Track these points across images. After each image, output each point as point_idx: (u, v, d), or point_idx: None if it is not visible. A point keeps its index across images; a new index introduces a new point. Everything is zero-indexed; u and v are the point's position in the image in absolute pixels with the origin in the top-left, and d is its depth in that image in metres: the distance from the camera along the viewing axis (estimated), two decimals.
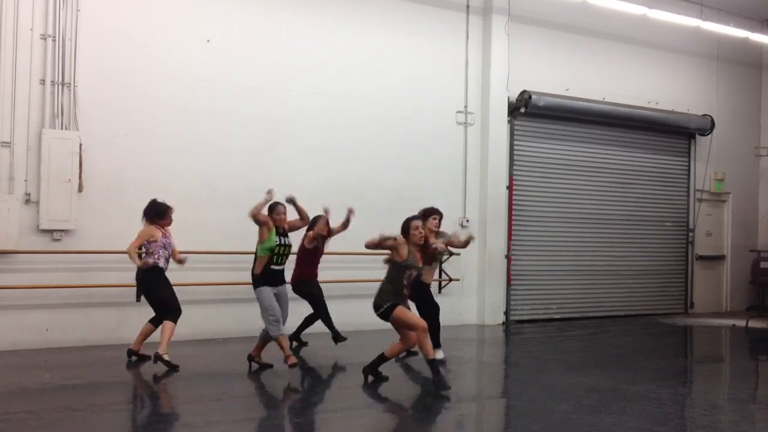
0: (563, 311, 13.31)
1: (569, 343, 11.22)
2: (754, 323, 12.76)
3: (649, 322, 13.43)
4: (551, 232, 13.23)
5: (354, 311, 10.02)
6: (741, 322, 12.91)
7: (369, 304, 9.14)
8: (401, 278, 7.13)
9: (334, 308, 9.19)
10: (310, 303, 9.08)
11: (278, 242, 7.84)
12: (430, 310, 8.50)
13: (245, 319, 10.19)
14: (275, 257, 7.85)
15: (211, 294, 9.92)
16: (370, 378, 7.36)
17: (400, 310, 7.11)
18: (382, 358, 7.31)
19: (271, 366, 7.90)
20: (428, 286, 8.65)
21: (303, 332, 9.38)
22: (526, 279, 12.96)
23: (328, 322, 8.99)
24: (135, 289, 9.59)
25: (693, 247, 15.05)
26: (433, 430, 6.18)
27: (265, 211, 7.88)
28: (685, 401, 7.20)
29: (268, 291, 7.83)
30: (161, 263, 8.15)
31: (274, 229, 7.85)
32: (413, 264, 7.16)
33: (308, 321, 9.33)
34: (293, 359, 7.79)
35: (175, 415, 6.32)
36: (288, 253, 8.03)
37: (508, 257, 12.59)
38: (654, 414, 6.29)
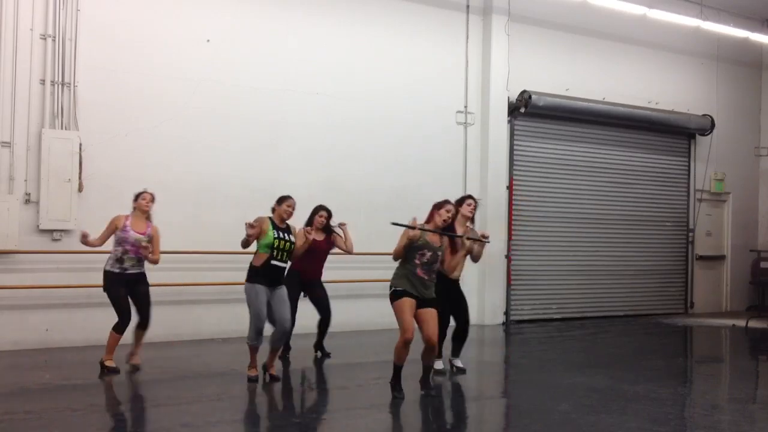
0: (563, 311, 13.31)
1: (569, 343, 11.22)
2: (754, 323, 12.75)
3: (649, 322, 13.43)
4: (551, 232, 13.23)
5: (354, 311, 10.02)
6: (741, 322, 12.90)
7: (368, 303, 9.16)
8: (413, 260, 6.43)
9: (335, 308, 8.94)
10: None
11: (276, 236, 7.23)
12: (457, 309, 7.75)
13: (245, 319, 10.13)
14: (275, 251, 7.23)
15: (211, 294, 9.92)
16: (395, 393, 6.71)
17: (400, 303, 6.41)
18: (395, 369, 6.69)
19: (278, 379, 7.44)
20: (456, 281, 7.72)
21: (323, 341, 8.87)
22: (526, 279, 12.95)
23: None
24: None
25: (693, 247, 15.05)
26: (433, 430, 6.18)
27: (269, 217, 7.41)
28: (685, 401, 7.20)
29: (261, 292, 7.17)
30: (109, 265, 7.64)
31: (270, 224, 7.28)
32: (426, 244, 6.43)
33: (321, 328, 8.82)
34: (254, 371, 7.33)
35: (175, 415, 6.31)
36: (290, 249, 7.36)
37: (508, 257, 12.59)
38: (654, 414, 6.29)
